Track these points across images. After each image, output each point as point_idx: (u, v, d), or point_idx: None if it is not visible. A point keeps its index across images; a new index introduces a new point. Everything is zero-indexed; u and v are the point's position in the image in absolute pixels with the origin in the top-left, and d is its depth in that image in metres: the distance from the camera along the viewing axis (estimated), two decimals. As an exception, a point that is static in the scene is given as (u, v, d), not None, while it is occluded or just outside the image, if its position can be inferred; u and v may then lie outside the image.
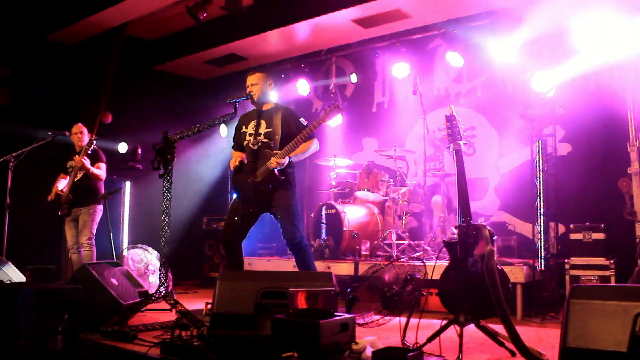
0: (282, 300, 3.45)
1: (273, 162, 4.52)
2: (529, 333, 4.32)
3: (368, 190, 6.76)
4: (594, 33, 5.77)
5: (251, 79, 4.78)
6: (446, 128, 3.78)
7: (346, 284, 5.47)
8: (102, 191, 6.21)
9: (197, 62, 8.75)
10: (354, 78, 7.90)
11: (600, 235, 5.35)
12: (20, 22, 7.32)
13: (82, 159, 5.91)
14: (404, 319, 3.80)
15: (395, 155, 6.81)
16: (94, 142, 6.04)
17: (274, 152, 4.59)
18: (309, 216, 7.08)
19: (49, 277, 4.39)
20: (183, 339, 3.49)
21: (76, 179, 6.01)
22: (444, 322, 3.48)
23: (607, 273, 5.20)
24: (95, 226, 6.09)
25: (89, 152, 6.01)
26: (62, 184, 6.15)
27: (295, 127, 4.69)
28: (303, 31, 7.49)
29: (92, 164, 6.05)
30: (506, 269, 4.69)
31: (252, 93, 4.73)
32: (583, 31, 5.84)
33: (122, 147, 7.82)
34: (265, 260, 7.00)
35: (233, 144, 5.04)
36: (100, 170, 6.11)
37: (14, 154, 5.83)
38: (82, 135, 6.20)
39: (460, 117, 3.84)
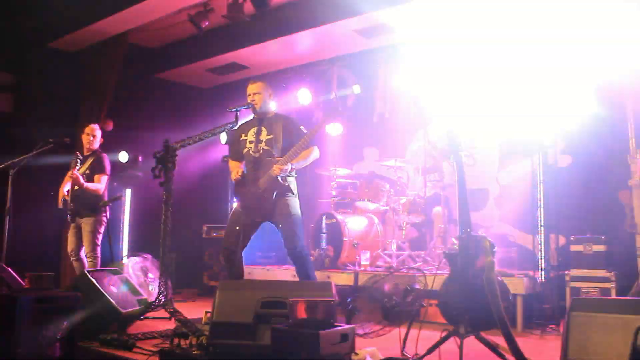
0: (282, 310, 3.44)
1: (276, 170, 4.52)
2: (529, 345, 4.31)
3: (368, 200, 6.76)
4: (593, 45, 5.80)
5: (253, 88, 4.79)
6: (447, 139, 3.78)
7: (346, 294, 5.46)
8: (105, 199, 6.17)
9: (198, 71, 8.77)
10: (356, 89, 7.89)
11: (600, 247, 5.34)
12: (22, 29, 7.34)
13: (75, 175, 5.78)
14: (403, 330, 3.79)
15: (396, 165, 6.81)
16: (79, 160, 5.87)
17: (276, 159, 4.59)
18: (308, 226, 7.06)
19: (48, 284, 4.37)
20: (182, 348, 3.49)
21: (75, 188, 5.93)
22: (444, 333, 3.46)
23: (607, 285, 5.18)
24: (99, 237, 6.02)
25: (78, 164, 5.85)
26: (68, 185, 6.09)
27: (296, 134, 4.69)
28: (305, 41, 7.52)
29: (94, 174, 5.99)
30: (506, 280, 4.68)
31: (253, 102, 4.74)
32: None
33: (123, 157, 7.82)
34: (265, 269, 6.99)
35: (230, 153, 5.04)
36: (99, 184, 5.97)
37: (15, 160, 5.82)
38: (93, 138, 6.15)
39: (461, 128, 3.84)
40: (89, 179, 5.98)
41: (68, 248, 6.17)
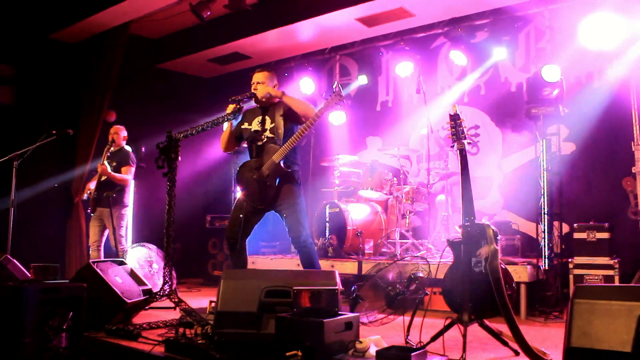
0: (286, 299, 3.46)
1: (277, 156, 4.52)
2: (532, 332, 4.32)
3: (372, 189, 6.76)
4: (599, 32, 5.78)
5: (257, 78, 4.77)
6: (450, 127, 3.77)
7: (350, 282, 5.47)
8: (128, 193, 6.44)
9: (200, 61, 8.75)
10: (363, 80, 7.84)
11: (604, 235, 5.34)
12: (23, 21, 7.33)
13: (103, 166, 6.15)
14: (407, 318, 3.81)
15: (399, 154, 6.81)
16: (113, 144, 6.32)
17: (278, 146, 4.57)
18: (312, 215, 7.08)
19: (54, 275, 4.41)
20: (187, 337, 3.51)
21: (102, 179, 6.25)
22: (448, 321, 3.48)
23: (611, 272, 5.19)
24: (122, 229, 6.34)
25: (108, 154, 6.27)
26: (94, 184, 6.41)
27: (294, 118, 4.63)
28: (307, 30, 7.49)
29: (120, 167, 6.31)
30: (510, 268, 4.70)
31: (256, 91, 4.72)
32: (587, 30, 5.85)
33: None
34: (268, 258, 7.01)
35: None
36: (126, 175, 6.34)
37: (18, 152, 5.84)
38: (117, 137, 6.43)
39: (464, 116, 3.83)
40: (117, 171, 6.30)
41: (90, 239, 6.41)
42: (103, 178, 6.24)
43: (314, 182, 8.00)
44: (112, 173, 6.21)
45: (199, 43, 8.29)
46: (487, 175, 7.14)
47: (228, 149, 4.95)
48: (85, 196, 6.59)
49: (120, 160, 6.36)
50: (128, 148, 6.60)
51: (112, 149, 6.33)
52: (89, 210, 6.37)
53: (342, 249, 6.56)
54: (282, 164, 4.53)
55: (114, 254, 6.10)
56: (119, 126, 6.61)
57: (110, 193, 6.19)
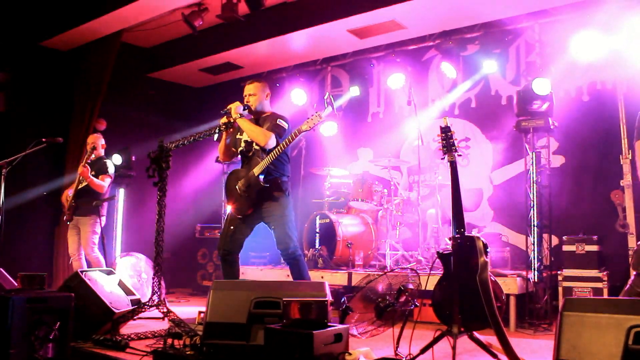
0: (276, 310, 3.44)
1: (257, 169, 4.52)
2: (521, 344, 4.33)
3: (362, 200, 6.76)
4: (587, 47, 5.84)
5: (249, 89, 4.77)
6: (441, 139, 3.79)
7: (340, 294, 5.45)
8: (106, 203, 6.37)
9: (192, 70, 8.76)
10: (355, 91, 7.86)
11: (593, 247, 5.37)
12: (15, 27, 7.32)
13: (85, 168, 6.08)
14: (397, 330, 3.80)
15: (390, 165, 6.82)
16: (93, 152, 6.25)
17: (262, 159, 4.56)
18: (302, 225, 7.06)
19: (41, 284, 4.35)
20: (175, 348, 3.48)
21: (80, 187, 6.17)
22: (437, 333, 3.47)
23: (599, 285, 5.22)
24: (96, 236, 6.23)
25: (89, 161, 6.20)
26: (72, 191, 6.32)
27: (276, 131, 4.63)
28: (299, 40, 7.52)
29: (98, 175, 6.22)
30: (499, 280, 4.70)
31: (249, 103, 4.72)
32: (577, 45, 5.91)
33: (117, 159, 7.80)
34: (258, 269, 6.98)
35: None
36: (103, 183, 6.24)
37: (7, 160, 5.80)
38: (97, 145, 6.38)
39: (455, 128, 3.85)
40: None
41: (69, 249, 6.33)
42: (81, 186, 6.16)
43: (304, 192, 7.99)
44: (91, 177, 6.14)
45: (191, 53, 8.30)
46: (477, 187, 7.16)
47: (226, 159, 4.96)
48: (63, 201, 6.47)
49: (99, 168, 6.29)
50: (107, 159, 6.52)
51: (92, 156, 6.27)
52: (65, 219, 6.28)
53: (332, 260, 6.56)
54: (261, 178, 4.50)
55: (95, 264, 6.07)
56: (97, 134, 6.57)
57: (100, 202, 6.16)
